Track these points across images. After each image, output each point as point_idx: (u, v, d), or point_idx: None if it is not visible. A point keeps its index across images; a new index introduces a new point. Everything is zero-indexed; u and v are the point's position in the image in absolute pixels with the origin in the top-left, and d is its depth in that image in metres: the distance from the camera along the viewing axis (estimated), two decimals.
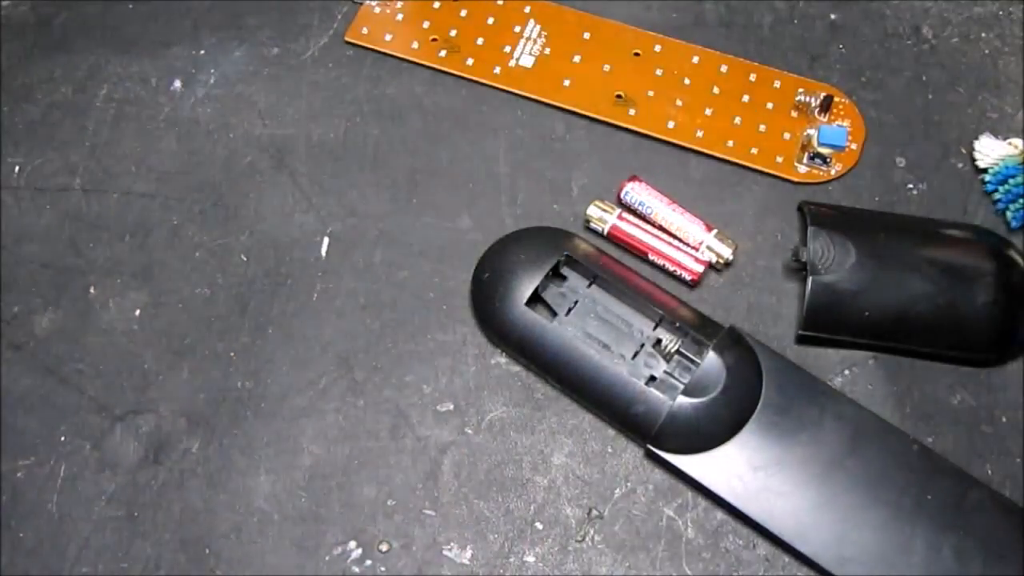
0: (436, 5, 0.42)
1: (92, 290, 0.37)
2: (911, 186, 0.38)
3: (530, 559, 0.32)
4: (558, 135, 0.39)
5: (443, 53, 0.41)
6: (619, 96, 0.39)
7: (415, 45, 0.41)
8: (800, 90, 0.39)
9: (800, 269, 0.35)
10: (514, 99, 0.40)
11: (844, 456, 0.32)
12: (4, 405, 0.35)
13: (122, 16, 0.43)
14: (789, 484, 0.32)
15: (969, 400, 0.34)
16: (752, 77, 0.40)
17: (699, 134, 0.39)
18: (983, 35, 0.41)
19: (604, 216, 0.36)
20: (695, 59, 0.40)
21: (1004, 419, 0.34)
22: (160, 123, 0.40)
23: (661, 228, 0.37)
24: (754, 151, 0.38)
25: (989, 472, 0.33)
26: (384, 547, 0.33)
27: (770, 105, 0.39)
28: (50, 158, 0.40)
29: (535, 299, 0.34)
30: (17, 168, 0.39)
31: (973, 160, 0.38)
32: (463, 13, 0.42)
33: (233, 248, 0.38)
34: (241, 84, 0.41)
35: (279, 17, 0.42)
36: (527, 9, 0.42)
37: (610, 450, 0.34)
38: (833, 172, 0.38)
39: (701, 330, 0.34)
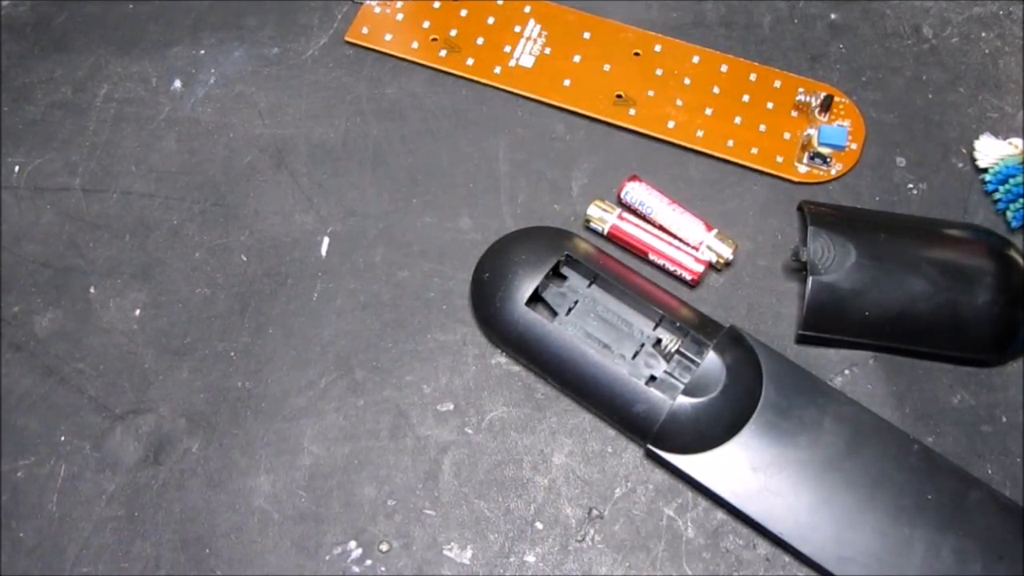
0: (436, 5, 0.42)
1: (92, 290, 0.37)
2: (911, 186, 0.38)
3: (530, 559, 0.32)
4: (558, 135, 0.39)
5: (443, 53, 0.41)
6: (619, 96, 0.39)
7: (415, 45, 0.41)
8: (800, 90, 0.39)
9: (800, 269, 0.36)
10: (514, 99, 0.40)
11: (844, 456, 0.32)
12: (4, 405, 0.35)
13: (122, 16, 0.43)
14: (789, 484, 0.32)
15: (969, 400, 0.34)
16: (752, 77, 0.40)
17: (699, 134, 0.39)
18: (983, 35, 0.41)
19: (604, 216, 0.36)
20: (695, 59, 0.40)
21: (1004, 419, 0.34)
22: (160, 123, 0.40)
23: (661, 228, 0.37)
24: (754, 151, 0.38)
25: (989, 472, 0.33)
26: (384, 547, 0.33)
27: (770, 105, 0.39)
28: (50, 158, 0.40)
29: (535, 299, 0.34)
30: (17, 168, 0.39)
31: (973, 160, 0.38)
32: (463, 13, 0.42)
33: (233, 248, 0.38)
34: (241, 84, 0.41)
35: (279, 17, 0.42)
36: (527, 9, 0.42)
37: (610, 450, 0.34)
38: (833, 172, 0.38)
39: (701, 330, 0.34)
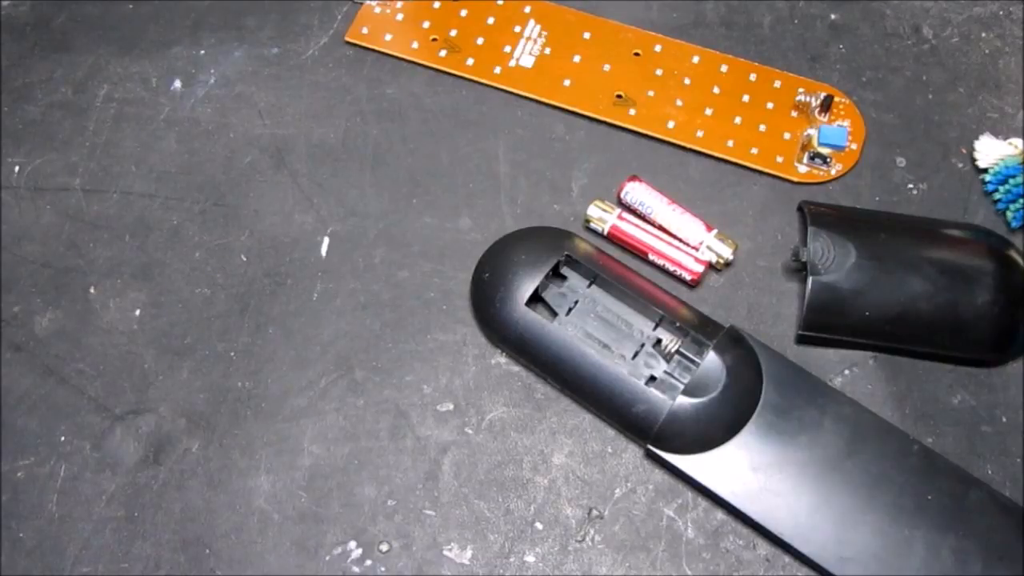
0: (436, 5, 0.42)
1: (92, 290, 0.37)
2: (911, 186, 0.38)
3: (530, 559, 0.32)
4: (558, 135, 0.39)
5: (443, 53, 0.41)
6: (619, 96, 0.39)
7: (415, 45, 0.41)
8: (800, 90, 0.39)
9: (800, 269, 0.36)
10: (514, 99, 0.40)
11: (844, 456, 0.32)
12: (4, 405, 0.35)
13: (122, 16, 0.43)
14: (789, 484, 0.32)
15: (969, 400, 0.34)
16: (752, 77, 0.40)
17: (699, 134, 0.39)
18: (983, 35, 0.41)
19: (604, 216, 0.36)
20: (695, 59, 0.40)
21: (1004, 419, 0.34)
22: (160, 123, 0.40)
23: (661, 228, 0.37)
24: (754, 151, 0.38)
25: (989, 472, 0.33)
26: (384, 547, 0.33)
27: (770, 105, 0.39)
28: (50, 158, 0.40)
29: (535, 299, 0.34)
30: (17, 168, 0.39)
31: (973, 160, 0.38)
32: (463, 13, 0.42)
33: (233, 248, 0.38)
34: (241, 84, 0.41)
35: (279, 17, 0.42)
36: (527, 9, 0.42)
37: (610, 450, 0.34)
38: (833, 172, 0.38)
39: (701, 330, 0.34)
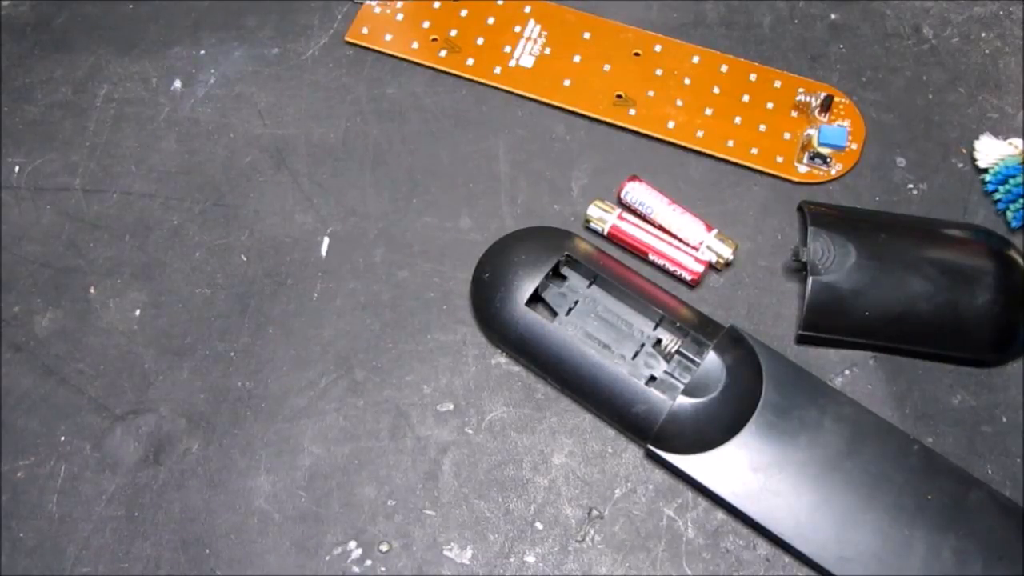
0: (436, 5, 0.42)
1: (92, 290, 0.37)
2: (911, 186, 0.38)
3: (530, 559, 0.32)
4: (558, 135, 0.39)
5: (443, 53, 0.41)
6: (619, 96, 0.39)
7: (415, 45, 0.41)
8: (800, 90, 0.39)
9: (800, 269, 0.36)
10: (514, 99, 0.40)
11: (844, 456, 0.32)
12: (4, 405, 0.35)
13: (122, 16, 0.43)
14: (789, 484, 0.32)
15: (969, 400, 0.34)
16: (752, 77, 0.40)
17: (699, 134, 0.39)
18: (983, 35, 0.41)
19: (604, 216, 0.36)
20: (695, 59, 0.40)
21: (1004, 419, 0.34)
22: (160, 123, 0.40)
23: (661, 228, 0.37)
24: (754, 151, 0.38)
25: (989, 472, 0.33)
26: (384, 547, 0.33)
27: (770, 105, 0.39)
28: (50, 158, 0.40)
29: (535, 299, 0.34)
30: (17, 168, 0.39)
31: (973, 160, 0.38)
32: (463, 13, 0.42)
33: (233, 248, 0.38)
34: (241, 84, 0.41)
35: (279, 17, 0.42)
36: (527, 9, 0.42)
37: (610, 450, 0.34)
38: (833, 172, 0.38)
39: (701, 330, 0.34)
